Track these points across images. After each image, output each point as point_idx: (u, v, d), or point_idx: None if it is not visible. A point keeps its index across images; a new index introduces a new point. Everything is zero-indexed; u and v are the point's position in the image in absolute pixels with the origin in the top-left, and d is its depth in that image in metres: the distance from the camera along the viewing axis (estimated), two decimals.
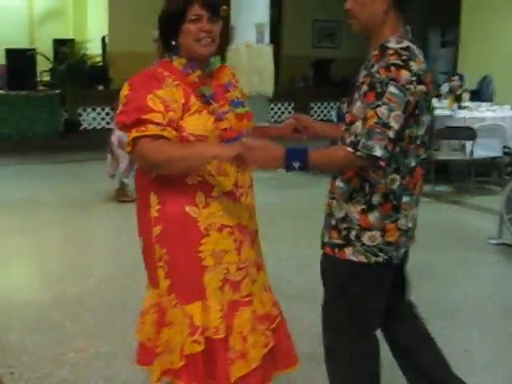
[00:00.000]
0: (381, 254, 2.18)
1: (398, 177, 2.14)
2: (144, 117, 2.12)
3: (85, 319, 3.67)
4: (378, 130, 2.00)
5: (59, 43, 11.20)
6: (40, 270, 4.68)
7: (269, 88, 8.66)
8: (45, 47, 10.96)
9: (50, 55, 10.73)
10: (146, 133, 2.12)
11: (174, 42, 2.26)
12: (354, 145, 2.03)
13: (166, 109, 2.14)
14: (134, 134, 2.14)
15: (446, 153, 7.35)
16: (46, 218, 6.08)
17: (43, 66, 10.58)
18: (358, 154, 2.02)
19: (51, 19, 12.91)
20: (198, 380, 2.24)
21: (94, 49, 11.24)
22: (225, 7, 2.34)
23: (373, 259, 2.18)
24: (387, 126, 2.00)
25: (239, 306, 2.31)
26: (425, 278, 4.49)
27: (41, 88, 10.42)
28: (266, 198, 6.92)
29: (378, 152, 2.01)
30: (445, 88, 8.35)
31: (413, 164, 2.17)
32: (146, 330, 2.37)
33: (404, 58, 2.04)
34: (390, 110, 2.00)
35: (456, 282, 4.49)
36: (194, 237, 2.23)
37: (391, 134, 2.01)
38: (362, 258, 2.18)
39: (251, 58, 8.42)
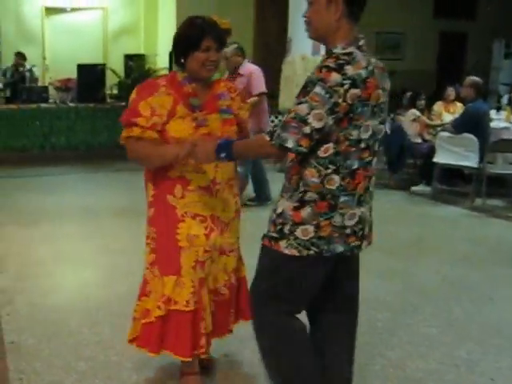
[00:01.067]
0: (312, 248, 2.33)
1: (337, 177, 2.28)
2: (133, 120, 2.65)
3: (102, 327, 3.72)
4: (294, 124, 2.18)
5: (129, 58, 11.61)
6: (75, 276, 4.78)
7: None
8: (117, 62, 11.40)
9: (121, 70, 11.12)
10: (131, 133, 2.68)
11: (182, 60, 2.74)
12: (271, 134, 2.23)
13: (152, 114, 2.64)
14: (124, 133, 2.71)
15: (500, 166, 7.10)
16: (104, 225, 6.21)
17: (113, 80, 10.97)
18: (272, 142, 2.22)
19: (124, 35, 13.42)
20: (150, 345, 2.74)
21: (163, 63, 11.56)
22: (226, 23, 2.86)
23: (304, 252, 2.33)
24: (304, 122, 2.17)
25: (202, 283, 2.76)
26: (460, 294, 4.34)
27: (108, 101, 10.81)
28: None
29: (290, 144, 2.19)
30: (504, 99, 8.05)
31: (355, 166, 2.30)
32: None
33: (340, 62, 2.18)
34: (311, 108, 2.16)
35: (493, 302, 4.26)
36: (173, 221, 2.72)
37: (307, 129, 2.17)
38: (295, 252, 2.34)
39: (306, 70, 8.38)
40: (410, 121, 8.00)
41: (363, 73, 2.20)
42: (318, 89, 2.16)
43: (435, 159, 7.25)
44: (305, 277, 2.43)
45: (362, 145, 2.29)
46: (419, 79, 12.52)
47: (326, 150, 2.26)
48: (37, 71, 11.77)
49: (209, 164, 2.63)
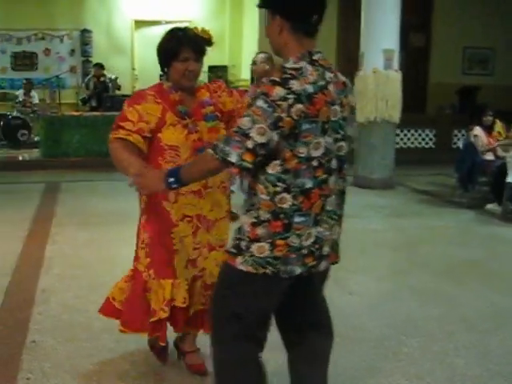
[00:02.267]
0: (268, 267, 2.24)
1: (288, 196, 2.20)
2: (121, 123, 2.79)
3: (123, 335, 3.66)
4: (236, 138, 2.12)
5: (213, 69, 11.81)
6: (113, 280, 4.77)
7: (395, 114, 8.47)
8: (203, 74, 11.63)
9: (205, 81, 11.32)
10: (117, 135, 2.78)
11: (166, 69, 2.88)
12: (214, 147, 2.17)
13: (139, 119, 2.77)
14: (112, 135, 2.81)
15: None
16: None
17: None
18: (215, 156, 2.16)
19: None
20: (161, 337, 2.99)
21: (246, 75, 11.66)
22: (207, 33, 2.92)
23: (260, 270, 2.25)
24: (247, 136, 2.10)
25: (197, 279, 3.00)
26: (502, 327, 4.00)
27: None
28: (369, 225, 6.82)
29: (233, 158, 2.12)
30: None
31: (308, 185, 2.21)
32: (115, 291, 3.17)
33: (286, 76, 2.14)
34: (254, 122, 2.10)
35: None
36: (168, 225, 2.89)
37: (250, 144, 2.10)
38: (250, 269, 2.25)
39: (378, 84, 8.24)
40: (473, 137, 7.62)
41: (310, 88, 2.14)
42: (260, 102, 2.11)
43: (508, 179, 6.84)
44: (260, 296, 2.32)
45: (314, 163, 2.20)
46: (508, 95, 12.00)
47: (274, 166, 2.19)
48: (125, 81, 12.23)
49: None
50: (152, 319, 2.96)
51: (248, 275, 2.26)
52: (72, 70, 13.51)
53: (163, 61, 2.87)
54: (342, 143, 2.30)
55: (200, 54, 2.83)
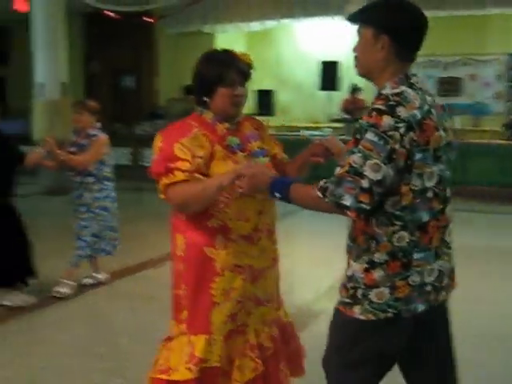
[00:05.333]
0: (390, 310, 2.10)
1: (405, 234, 2.05)
2: (172, 165, 2.39)
3: None
4: (349, 178, 1.94)
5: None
6: None
7: None
8: None
9: None
10: (174, 179, 2.39)
11: (205, 98, 2.51)
12: (323, 190, 1.99)
13: (193, 156, 2.40)
14: (165, 181, 2.41)
15: None
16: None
17: None
18: (326, 200, 1.98)
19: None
20: None
21: None
22: (247, 57, 2.60)
23: (382, 315, 2.10)
24: (360, 175, 1.92)
25: (233, 334, 2.57)
26: None
27: None
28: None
29: (347, 201, 1.94)
30: None
31: (425, 219, 2.06)
32: None
33: (391, 103, 1.96)
34: (366, 159, 1.92)
35: None
36: (210, 275, 2.50)
37: (365, 183, 1.92)
38: (371, 316, 2.11)
39: None
40: None
41: (418, 113, 1.98)
42: (370, 135, 1.93)
43: None
44: (383, 341, 2.15)
45: (429, 194, 2.06)
46: None
47: (390, 204, 2.02)
48: None
49: (252, 210, 2.44)
50: (167, 377, 2.53)
51: (369, 323, 2.11)
52: (497, 95, 12.98)
53: (204, 88, 2.50)
54: (448, 169, 2.14)
55: (246, 77, 2.54)
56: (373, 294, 2.09)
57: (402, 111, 1.95)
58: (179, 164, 2.40)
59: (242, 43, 14.65)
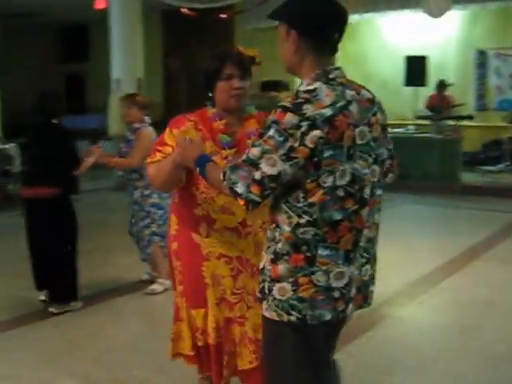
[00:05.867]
0: (293, 312, 2.01)
1: (312, 229, 1.98)
2: (159, 148, 2.70)
3: None
4: (244, 167, 1.97)
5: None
6: None
7: None
8: None
9: None
10: (152, 159, 2.69)
11: (210, 94, 2.69)
12: (223, 174, 2.02)
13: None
14: (148, 159, 2.73)
15: None
16: None
17: None
18: (225, 183, 2.02)
19: None
20: (205, 367, 2.88)
21: None
22: (252, 51, 2.74)
23: (285, 317, 2.02)
24: (255, 167, 1.95)
25: (233, 323, 2.76)
26: None
27: None
28: None
29: (239, 189, 1.97)
30: None
31: (336, 218, 1.99)
32: None
33: (299, 100, 1.96)
34: (264, 153, 1.94)
35: None
36: (198, 258, 2.71)
37: (258, 175, 1.94)
38: (274, 315, 2.04)
39: None
40: None
41: (327, 111, 1.94)
42: (271, 131, 1.94)
43: None
44: (292, 351, 2.05)
45: (341, 193, 1.98)
46: None
47: (296, 198, 1.99)
48: None
49: (239, 205, 2.15)
50: (186, 352, 2.86)
51: (273, 323, 2.05)
52: None
53: (207, 83, 2.67)
54: (375, 167, 2.08)
55: (244, 70, 2.64)
56: (276, 289, 2.02)
57: (308, 109, 1.92)
58: (163, 148, 2.65)
59: None
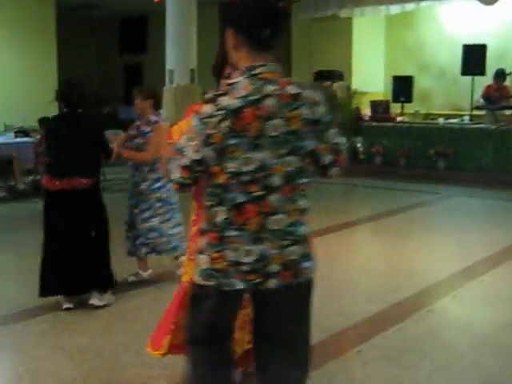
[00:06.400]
0: (212, 280, 2.28)
1: (221, 209, 2.24)
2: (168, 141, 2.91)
3: None
4: (175, 156, 2.27)
5: None
6: None
7: None
8: None
9: None
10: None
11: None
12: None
13: (181, 133, 2.54)
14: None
15: None
16: None
17: None
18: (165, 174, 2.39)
19: None
20: None
21: None
22: None
23: (206, 282, 2.29)
24: (182, 154, 2.23)
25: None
26: None
27: None
28: None
29: (173, 176, 2.29)
30: None
31: (240, 200, 2.21)
32: None
33: (218, 93, 2.19)
34: (189, 140, 2.22)
35: None
36: None
37: (184, 161, 2.23)
38: (198, 279, 2.32)
39: None
40: None
41: (237, 103, 2.15)
42: (194, 121, 2.22)
43: None
44: (211, 312, 2.35)
45: (245, 178, 2.20)
46: None
47: (207, 181, 2.27)
48: None
49: None
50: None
51: (196, 286, 2.35)
52: None
53: (215, 73, 2.95)
54: (292, 158, 2.23)
55: None
56: (199, 259, 2.31)
57: (224, 100, 2.15)
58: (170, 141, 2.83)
59: (380, 27, 13.95)
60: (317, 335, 3.85)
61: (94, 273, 4.52)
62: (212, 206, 2.25)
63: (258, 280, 2.25)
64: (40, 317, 4.45)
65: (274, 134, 2.18)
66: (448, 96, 13.05)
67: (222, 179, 2.21)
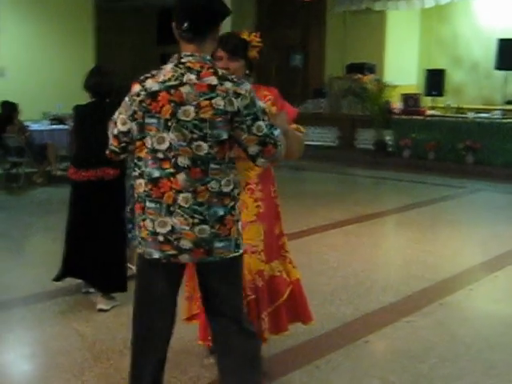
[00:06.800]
0: (140, 248, 2.57)
1: (142, 181, 2.49)
2: None
3: None
4: (111, 125, 2.60)
5: None
6: None
7: None
8: None
9: None
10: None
11: None
12: None
13: None
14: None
15: None
16: None
17: None
18: None
19: None
20: None
21: None
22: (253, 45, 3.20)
23: (138, 249, 2.60)
24: (114, 125, 2.57)
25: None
26: None
27: None
28: None
29: (109, 142, 2.63)
30: None
31: (156, 175, 2.45)
32: None
33: (147, 75, 2.48)
34: (120, 113, 2.54)
35: None
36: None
37: (115, 131, 2.57)
38: (136, 245, 2.63)
39: None
40: None
41: (156, 86, 2.42)
42: (126, 97, 2.52)
43: None
44: (141, 276, 2.66)
45: (160, 155, 2.43)
46: None
47: (134, 153, 2.55)
48: None
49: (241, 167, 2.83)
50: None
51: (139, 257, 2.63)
52: None
53: None
54: (201, 143, 2.40)
55: (232, 53, 3.03)
56: (136, 227, 2.59)
57: (148, 82, 2.44)
58: None
59: (415, 21, 13.85)
60: (326, 324, 4.02)
61: (107, 274, 4.38)
62: (136, 177, 2.50)
63: (171, 252, 2.47)
64: (60, 298, 4.61)
65: (184, 118, 2.37)
66: (480, 90, 12.91)
67: (143, 154, 2.47)
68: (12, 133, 9.37)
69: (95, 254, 4.35)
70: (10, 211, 7.99)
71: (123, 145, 2.55)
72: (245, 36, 3.18)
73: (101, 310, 4.35)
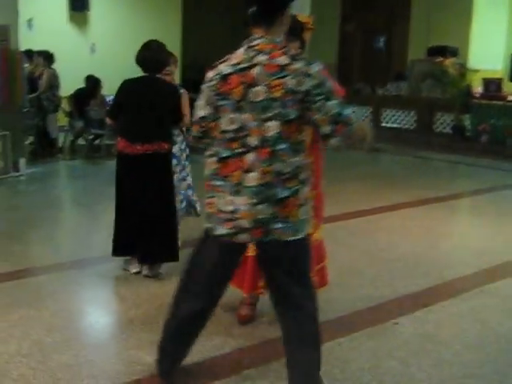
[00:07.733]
0: (207, 223, 2.69)
1: (213, 160, 2.60)
2: None
3: None
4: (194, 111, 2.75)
5: None
6: None
7: None
8: None
9: None
10: None
11: None
12: None
13: None
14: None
15: None
16: None
17: None
18: None
19: None
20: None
21: None
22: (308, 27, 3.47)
23: (206, 225, 2.70)
24: (195, 111, 2.69)
25: None
26: None
27: None
28: None
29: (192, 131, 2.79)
30: None
31: (224, 154, 2.55)
32: None
33: (221, 60, 2.59)
34: (199, 100, 2.65)
35: None
36: None
37: (195, 118, 2.70)
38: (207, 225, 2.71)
39: None
40: None
41: (228, 69, 2.51)
42: (203, 84, 2.61)
43: None
44: (205, 250, 2.75)
45: (229, 135, 2.53)
46: None
47: (211, 135, 2.64)
48: None
49: None
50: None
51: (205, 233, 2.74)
52: None
53: None
54: (271, 123, 2.44)
55: (288, 33, 2.77)
56: (205, 204, 2.70)
57: (221, 67, 2.54)
58: None
59: (504, 3, 13.34)
60: (359, 303, 4.10)
61: (163, 244, 4.47)
62: (209, 156, 2.61)
63: (232, 230, 2.56)
64: (101, 266, 4.82)
65: (255, 99, 2.44)
66: None
67: (216, 134, 2.57)
68: (95, 106, 9.85)
69: (151, 225, 4.42)
70: (87, 179, 8.52)
71: (203, 129, 2.64)
72: (301, 19, 3.36)
73: (147, 275, 4.51)
